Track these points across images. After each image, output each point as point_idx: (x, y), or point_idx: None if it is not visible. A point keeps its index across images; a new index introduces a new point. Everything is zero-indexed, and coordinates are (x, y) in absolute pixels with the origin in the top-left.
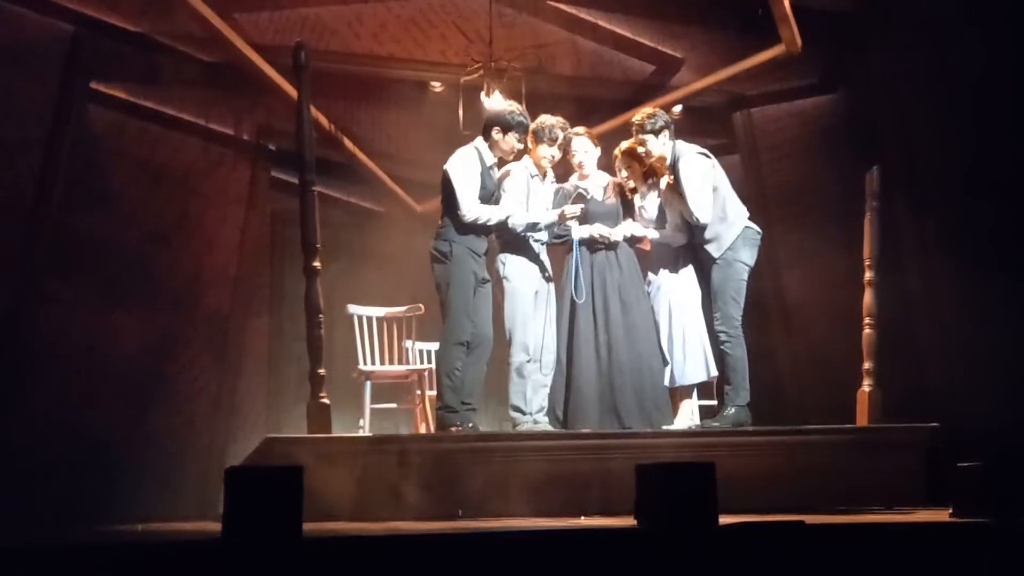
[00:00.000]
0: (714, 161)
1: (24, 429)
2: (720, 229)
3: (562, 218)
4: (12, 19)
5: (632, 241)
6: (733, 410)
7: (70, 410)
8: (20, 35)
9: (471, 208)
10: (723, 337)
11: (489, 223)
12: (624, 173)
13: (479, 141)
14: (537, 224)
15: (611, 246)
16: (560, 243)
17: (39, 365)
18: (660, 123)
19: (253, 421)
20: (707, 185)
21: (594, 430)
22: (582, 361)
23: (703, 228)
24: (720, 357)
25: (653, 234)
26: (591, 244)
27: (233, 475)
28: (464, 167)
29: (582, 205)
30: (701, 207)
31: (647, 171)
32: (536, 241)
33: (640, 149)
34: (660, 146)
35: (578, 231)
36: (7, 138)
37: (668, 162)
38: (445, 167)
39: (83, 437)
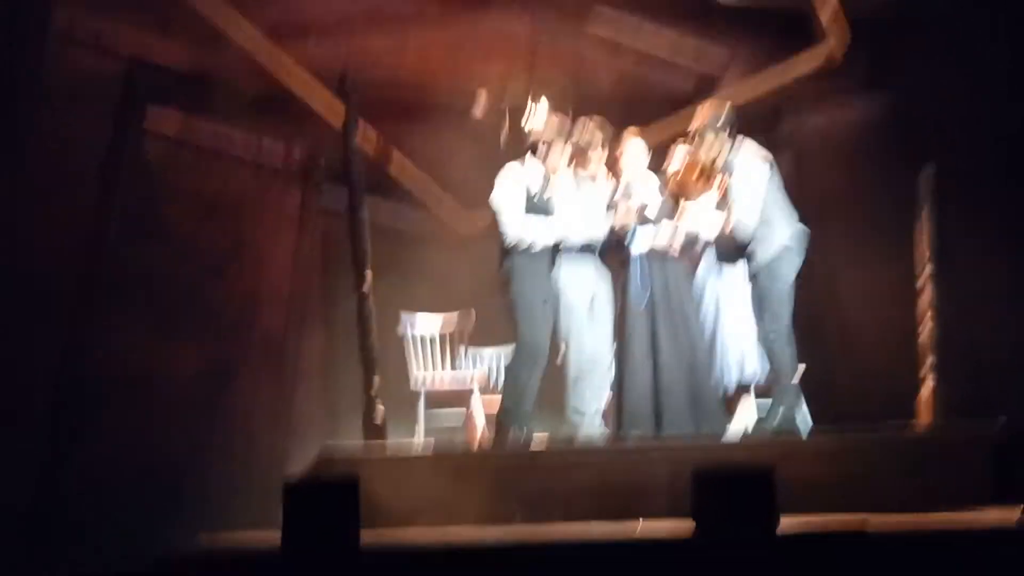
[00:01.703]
0: (772, 164)
1: (91, 455)
2: (766, 232)
3: (616, 231)
4: (68, 57)
5: (691, 243)
6: (781, 410)
7: (134, 435)
8: (75, 73)
9: (513, 231)
10: (772, 336)
11: (536, 242)
12: (676, 164)
13: (528, 157)
14: (589, 244)
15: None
16: (619, 255)
17: (103, 394)
18: (723, 120)
19: (311, 437)
20: (758, 191)
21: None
22: (667, 366)
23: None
24: (770, 358)
25: (709, 232)
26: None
27: (291, 489)
28: (502, 190)
29: (635, 213)
30: (747, 212)
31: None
32: (590, 248)
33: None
34: (718, 144)
35: (641, 238)
36: (65, 173)
37: (722, 163)
38: (493, 192)
39: (147, 460)
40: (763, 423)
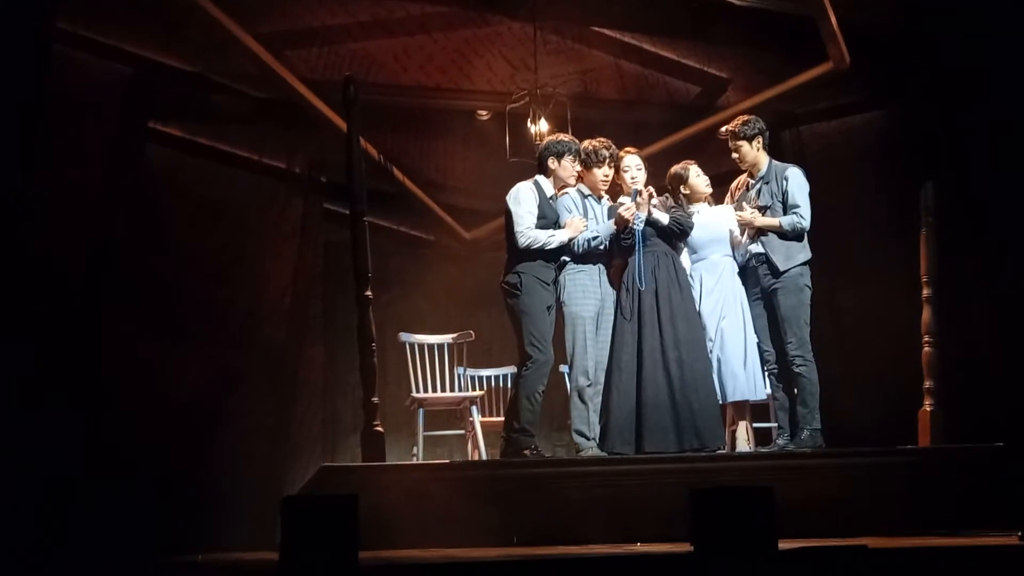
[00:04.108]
0: None
1: (88, 465)
2: (795, 247)
3: (619, 222)
4: (73, 63)
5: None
6: (807, 433)
7: (133, 445)
8: (80, 79)
9: (524, 234)
10: (799, 361)
11: (548, 246)
12: (693, 181)
13: (538, 176)
14: (597, 237)
15: (674, 266)
16: (628, 243)
17: (103, 402)
18: (755, 129)
19: (309, 450)
20: (807, 199)
21: (667, 452)
22: (651, 380)
23: (797, 235)
24: (793, 380)
25: (765, 220)
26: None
27: (289, 504)
28: (520, 196)
29: (635, 202)
30: (808, 214)
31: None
32: (595, 264)
33: (735, 154)
34: (754, 152)
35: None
36: (69, 179)
37: (762, 171)
38: (507, 200)
39: (145, 471)
40: (791, 443)
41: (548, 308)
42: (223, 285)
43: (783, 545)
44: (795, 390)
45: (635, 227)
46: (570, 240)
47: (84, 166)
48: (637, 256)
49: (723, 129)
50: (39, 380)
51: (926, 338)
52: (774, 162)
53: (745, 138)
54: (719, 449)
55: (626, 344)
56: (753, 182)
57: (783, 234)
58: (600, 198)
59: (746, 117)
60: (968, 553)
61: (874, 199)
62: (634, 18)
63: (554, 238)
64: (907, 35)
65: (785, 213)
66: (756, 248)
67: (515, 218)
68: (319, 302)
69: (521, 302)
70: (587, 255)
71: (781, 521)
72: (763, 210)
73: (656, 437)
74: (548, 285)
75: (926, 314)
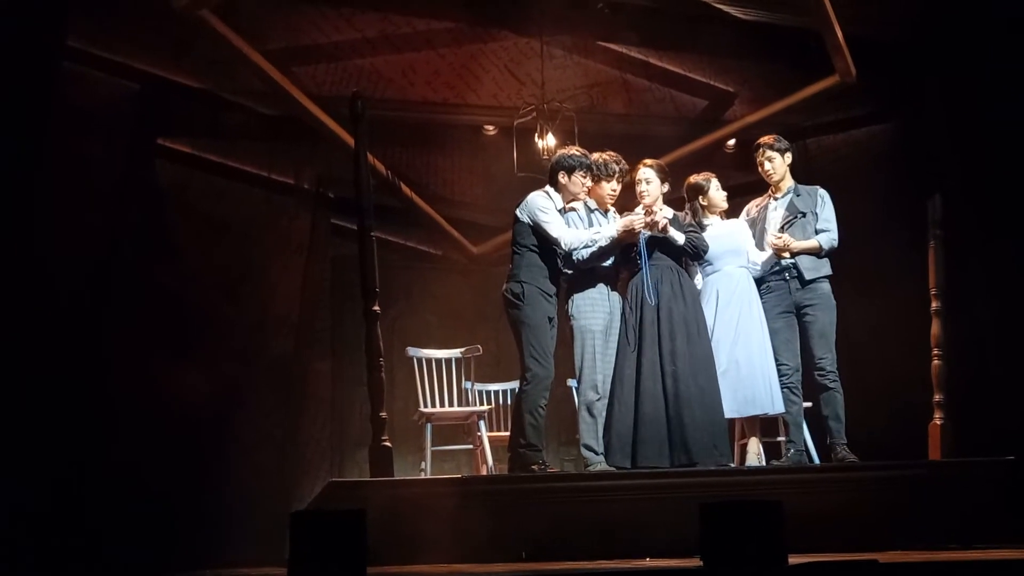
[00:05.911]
0: None
1: (95, 479)
2: (821, 261)
3: (627, 227)
4: (82, 80)
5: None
6: (841, 447)
7: (139, 459)
8: (90, 95)
9: (567, 241)
10: (832, 376)
11: (597, 244)
12: (713, 193)
13: (548, 187)
14: (599, 234)
15: (678, 280)
16: (633, 258)
17: (110, 416)
18: (786, 144)
19: (317, 465)
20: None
21: (661, 466)
22: (649, 394)
23: (827, 253)
24: (823, 395)
25: (803, 244)
26: (661, 257)
27: (298, 519)
28: (541, 204)
29: (643, 216)
30: (836, 233)
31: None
32: (603, 277)
33: (767, 166)
34: (785, 166)
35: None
36: (78, 193)
37: (790, 185)
38: (518, 211)
39: (152, 485)
40: (835, 458)
41: (550, 320)
42: (231, 299)
43: (793, 560)
44: (825, 405)
45: (639, 244)
46: (573, 247)
47: (93, 182)
48: (643, 271)
49: (745, 143)
50: (45, 394)
51: (936, 351)
52: (795, 183)
53: (779, 151)
54: (724, 465)
55: (628, 358)
56: (780, 196)
57: (818, 253)
58: (606, 212)
59: (775, 135)
60: (980, 567)
61: (882, 211)
62: (640, 32)
63: (600, 234)
64: (913, 47)
65: (816, 227)
66: (785, 262)
67: (547, 228)
68: (327, 316)
69: (523, 313)
70: (595, 268)
71: (791, 536)
72: (801, 215)
73: (650, 451)
74: (551, 297)
75: (935, 327)
